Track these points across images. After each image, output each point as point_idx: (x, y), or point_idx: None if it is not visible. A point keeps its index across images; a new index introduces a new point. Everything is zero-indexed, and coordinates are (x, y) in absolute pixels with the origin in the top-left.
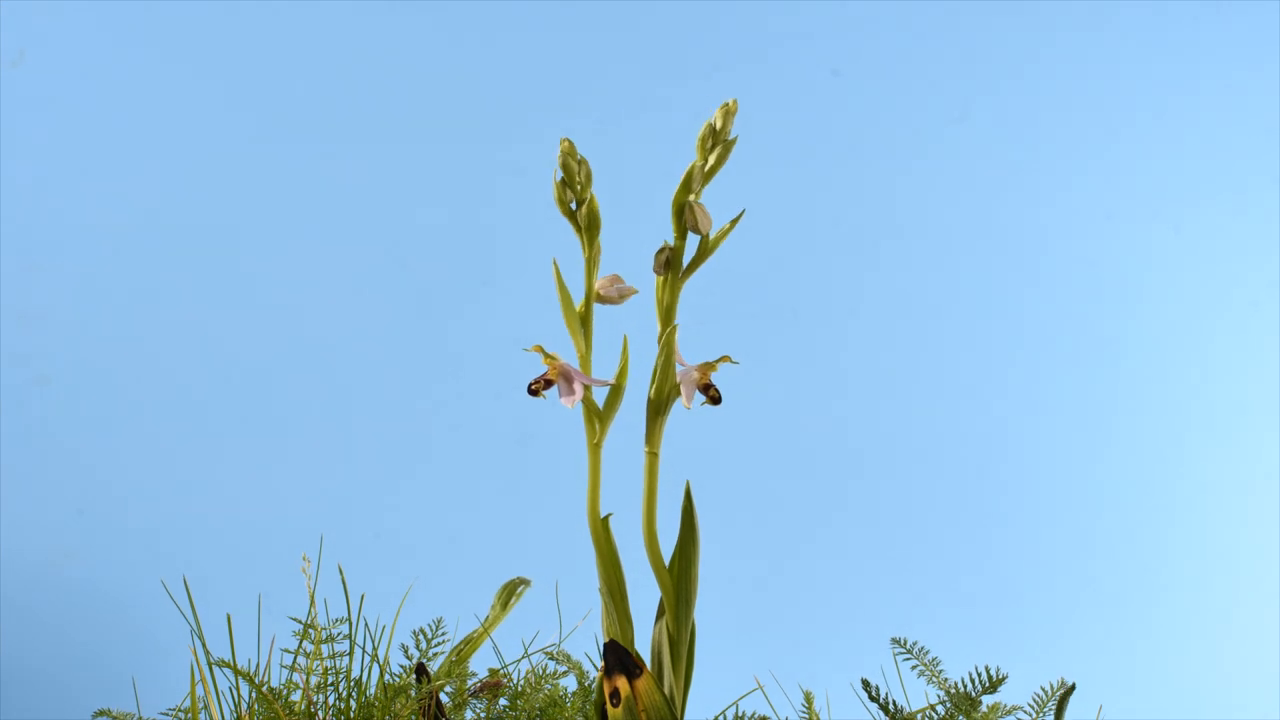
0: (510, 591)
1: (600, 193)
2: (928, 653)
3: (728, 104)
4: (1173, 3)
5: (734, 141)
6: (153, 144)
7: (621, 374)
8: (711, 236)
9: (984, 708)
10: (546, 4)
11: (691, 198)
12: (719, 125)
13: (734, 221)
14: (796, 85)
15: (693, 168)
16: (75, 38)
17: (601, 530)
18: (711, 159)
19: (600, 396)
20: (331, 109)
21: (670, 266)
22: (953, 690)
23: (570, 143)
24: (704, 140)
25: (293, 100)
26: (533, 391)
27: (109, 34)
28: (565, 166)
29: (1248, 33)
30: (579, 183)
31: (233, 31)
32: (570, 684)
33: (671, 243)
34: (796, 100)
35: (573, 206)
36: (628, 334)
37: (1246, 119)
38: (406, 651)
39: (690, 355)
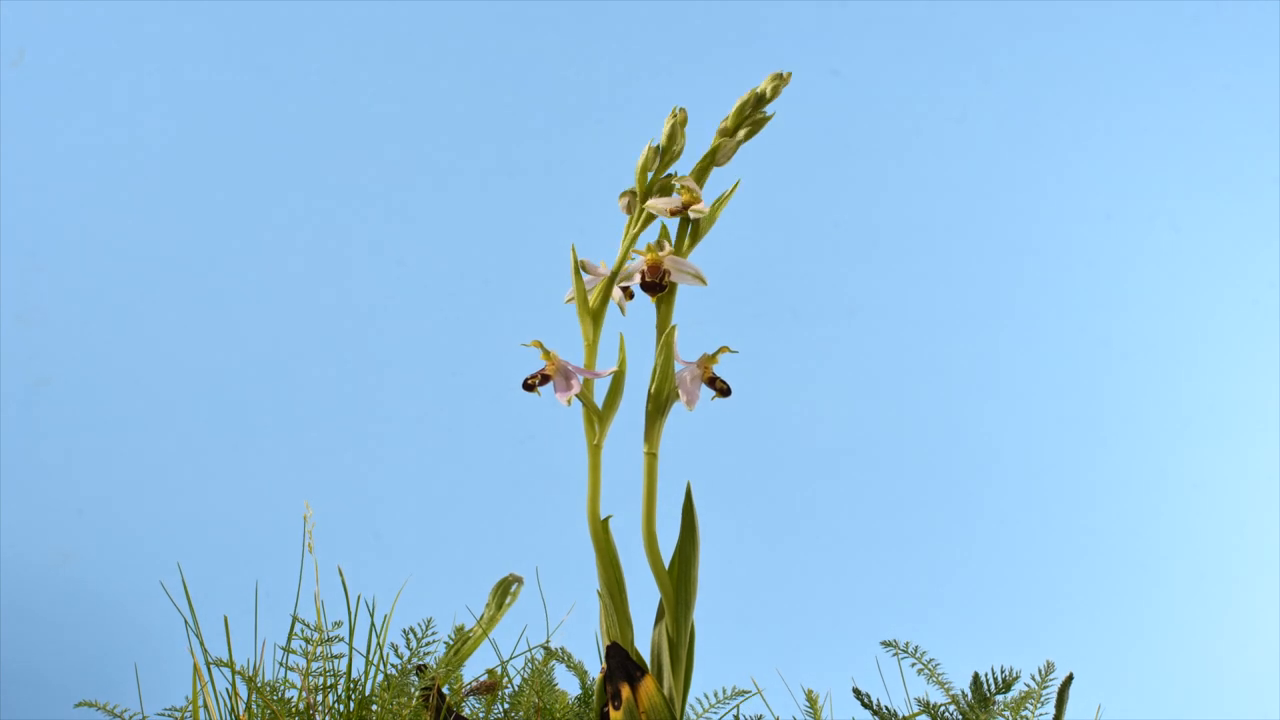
0: (505, 590)
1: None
2: (925, 653)
3: (782, 75)
4: (1173, 2)
5: (769, 118)
6: (153, 144)
7: (620, 370)
8: (705, 212)
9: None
10: (543, 5)
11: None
12: (767, 94)
13: (727, 195)
14: (796, 85)
15: (722, 140)
16: (75, 38)
17: (601, 532)
18: (742, 133)
19: (600, 396)
20: (329, 108)
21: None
22: (961, 694)
23: (685, 113)
24: (743, 108)
25: (292, 99)
26: (528, 386)
27: (109, 34)
28: (671, 133)
29: (1248, 31)
30: (674, 154)
31: (232, 31)
32: (566, 679)
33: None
34: (796, 100)
35: (649, 175)
36: (623, 332)
37: (1246, 118)
38: (397, 651)
39: (688, 356)
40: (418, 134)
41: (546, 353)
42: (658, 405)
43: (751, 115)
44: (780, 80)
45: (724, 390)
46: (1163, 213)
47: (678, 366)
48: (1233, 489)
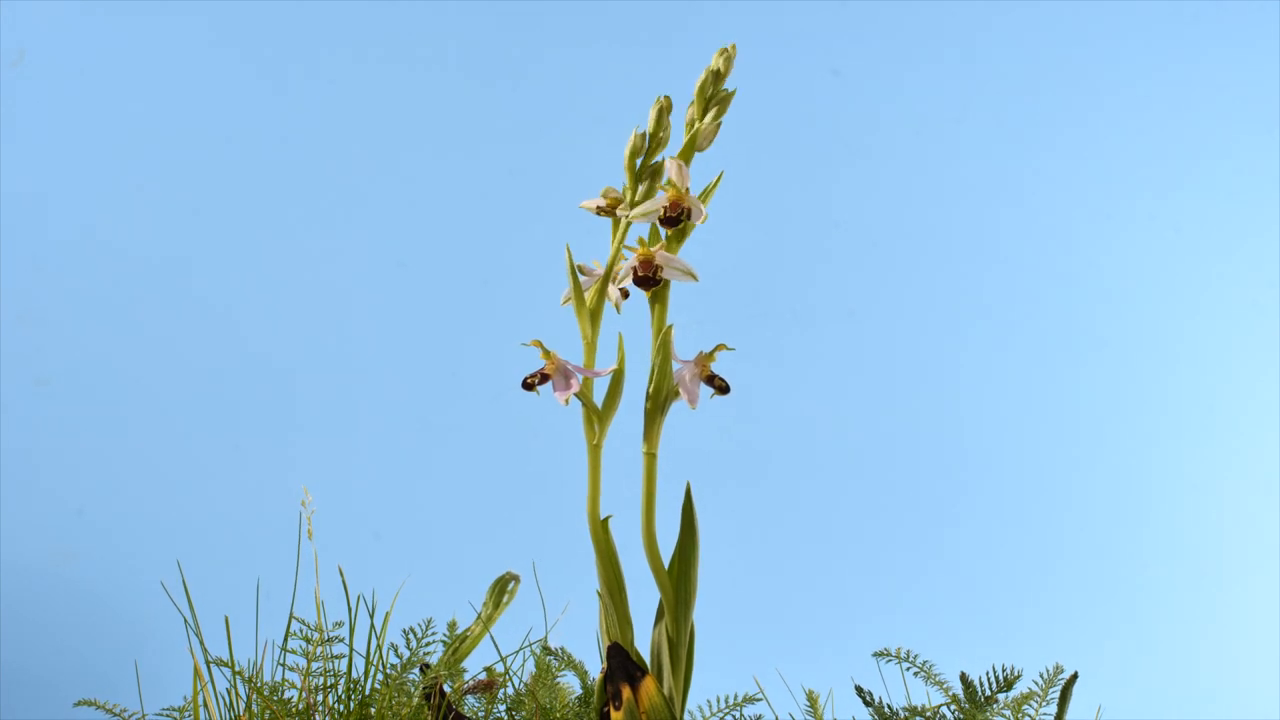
0: (502, 588)
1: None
2: (918, 657)
3: (726, 49)
4: (1174, 3)
5: (732, 94)
6: (153, 144)
7: (619, 369)
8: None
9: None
10: (543, 5)
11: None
12: (721, 69)
13: (711, 188)
14: (796, 85)
15: (696, 126)
16: (75, 38)
17: (601, 531)
18: (709, 116)
19: (599, 396)
20: (329, 109)
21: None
22: (959, 695)
23: (669, 99)
24: (703, 89)
25: (293, 100)
26: (527, 386)
27: (109, 34)
28: (658, 118)
29: (1249, 32)
30: (661, 140)
31: (233, 31)
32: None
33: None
34: (796, 100)
35: (638, 162)
36: (622, 332)
37: (1247, 118)
38: (397, 650)
39: (685, 355)
40: (418, 135)
41: (546, 352)
42: (656, 404)
43: (714, 94)
44: (727, 54)
45: (723, 388)
46: (1163, 213)
47: (675, 366)
48: (1233, 489)
